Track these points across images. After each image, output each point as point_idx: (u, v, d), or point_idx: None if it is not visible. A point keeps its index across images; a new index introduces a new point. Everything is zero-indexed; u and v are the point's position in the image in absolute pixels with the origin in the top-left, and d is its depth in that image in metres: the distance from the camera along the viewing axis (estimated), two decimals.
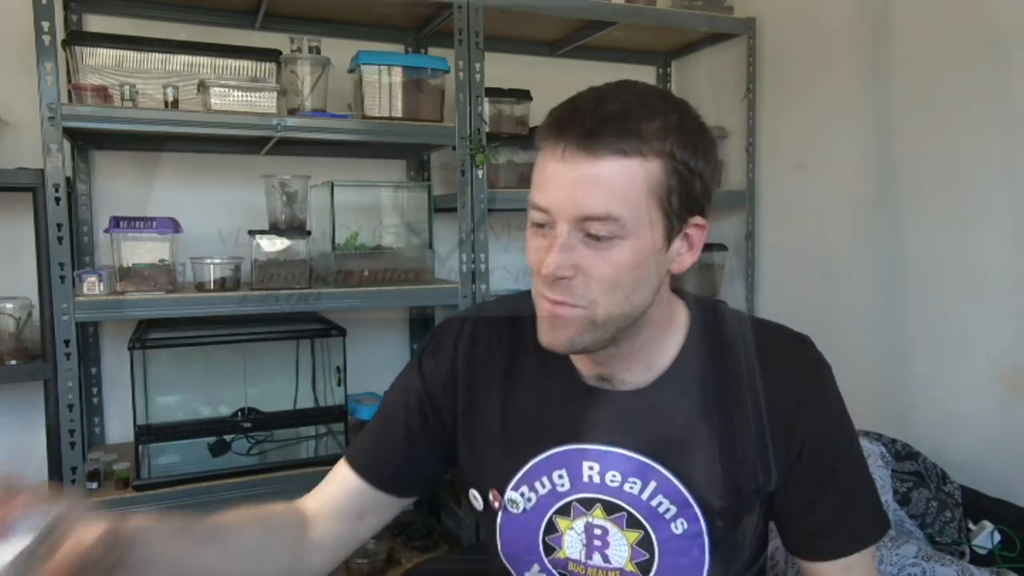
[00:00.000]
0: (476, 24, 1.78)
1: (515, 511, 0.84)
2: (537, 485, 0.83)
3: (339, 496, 0.89)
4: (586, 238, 0.71)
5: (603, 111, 0.72)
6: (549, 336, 0.76)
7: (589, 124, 0.70)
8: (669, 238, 0.75)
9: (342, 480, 0.89)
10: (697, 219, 0.77)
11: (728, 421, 0.79)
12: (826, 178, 1.91)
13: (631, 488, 0.80)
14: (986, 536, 1.37)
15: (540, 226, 0.75)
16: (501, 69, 2.00)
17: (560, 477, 0.82)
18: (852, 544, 0.79)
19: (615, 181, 0.70)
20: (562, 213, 0.71)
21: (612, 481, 0.80)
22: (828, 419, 0.80)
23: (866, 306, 1.80)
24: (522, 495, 0.83)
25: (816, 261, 1.94)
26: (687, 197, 0.74)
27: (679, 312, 0.84)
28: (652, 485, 0.79)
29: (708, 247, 2.19)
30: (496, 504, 0.85)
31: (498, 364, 0.87)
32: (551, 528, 0.83)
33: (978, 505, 1.44)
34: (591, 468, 0.81)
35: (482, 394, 0.87)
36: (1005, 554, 1.34)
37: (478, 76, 1.79)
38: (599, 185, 0.70)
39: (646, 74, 2.45)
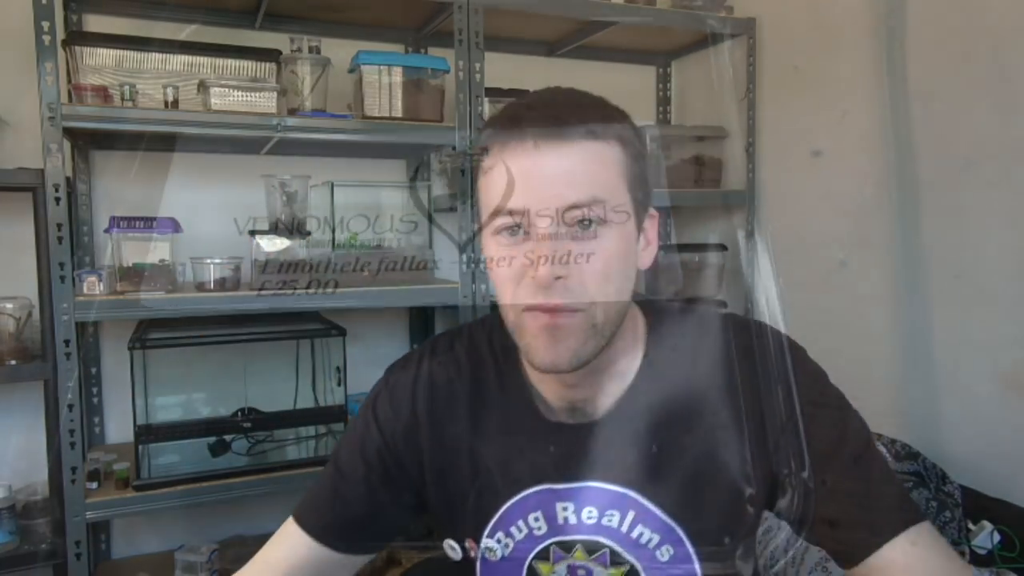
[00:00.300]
0: (476, 24, 1.78)
1: (493, 559, 0.80)
2: (513, 530, 0.79)
3: (288, 564, 0.81)
4: (571, 230, 0.68)
5: (561, 102, 0.71)
6: (551, 354, 0.70)
7: (554, 113, 0.69)
8: (638, 228, 0.74)
9: (292, 545, 0.81)
10: (651, 210, 0.76)
11: (703, 429, 0.75)
12: (827, 178, 1.91)
13: (609, 522, 0.76)
14: (986, 536, 1.37)
15: (512, 233, 0.70)
16: (501, 69, 1.99)
17: (536, 520, 0.78)
18: (900, 519, 0.70)
19: (593, 163, 0.68)
20: (544, 208, 0.67)
21: (589, 518, 0.76)
22: (814, 401, 0.75)
23: (865, 306, 1.80)
24: (498, 542, 0.80)
25: (816, 261, 1.94)
26: (645, 184, 0.73)
27: (637, 316, 0.80)
28: (631, 515, 0.75)
29: (708, 247, 2.19)
30: (473, 553, 0.81)
31: (462, 404, 0.81)
32: (532, 574, 0.79)
33: (978, 505, 1.44)
34: (565, 509, 0.77)
35: (448, 438, 0.81)
36: (1005, 554, 1.34)
37: (478, 76, 1.79)
38: (579, 170, 0.68)
39: (646, 74, 2.44)
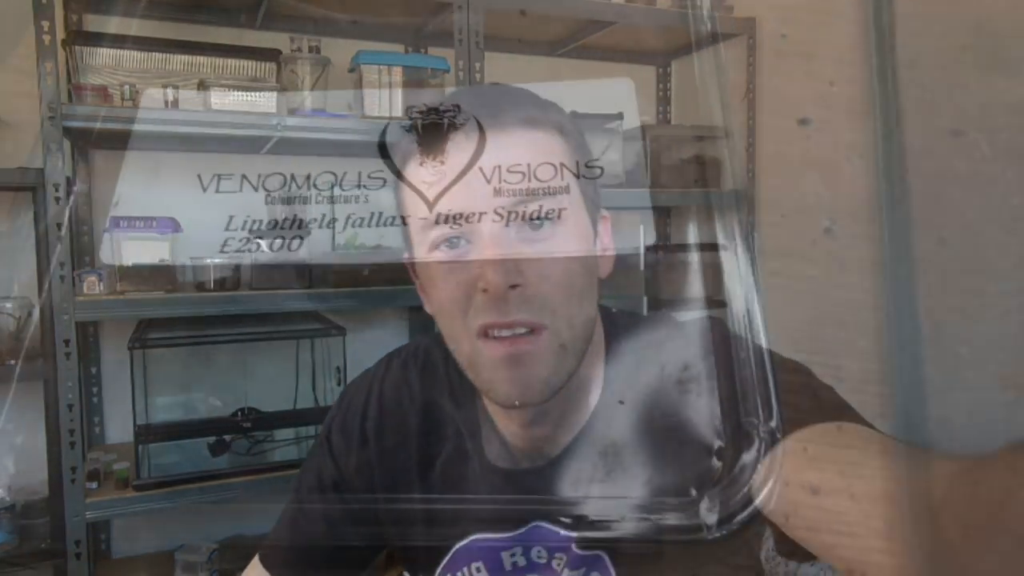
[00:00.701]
0: (476, 24, 1.78)
1: None
2: None
3: None
4: (521, 231, 0.60)
5: (492, 92, 0.67)
6: (517, 386, 0.61)
7: (487, 103, 0.62)
8: (594, 229, 0.66)
9: None
10: (604, 212, 0.68)
11: (661, 449, 0.66)
12: (827, 179, 1.91)
13: (558, 565, 0.70)
14: None
15: (451, 246, 0.61)
16: (501, 69, 2.00)
17: (479, 570, 0.72)
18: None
19: (536, 153, 0.61)
20: (487, 206, 0.59)
21: (539, 558, 0.71)
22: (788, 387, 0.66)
23: (865, 306, 1.80)
24: None
25: (816, 262, 1.94)
26: (592, 180, 0.66)
27: (598, 332, 0.70)
28: (567, 557, 0.69)
29: (707, 247, 2.19)
30: None
31: (411, 439, 0.75)
32: None
33: None
34: (513, 555, 0.72)
35: (399, 472, 0.75)
36: None
37: (478, 76, 1.79)
38: (522, 161, 0.60)
39: (646, 74, 2.44)
